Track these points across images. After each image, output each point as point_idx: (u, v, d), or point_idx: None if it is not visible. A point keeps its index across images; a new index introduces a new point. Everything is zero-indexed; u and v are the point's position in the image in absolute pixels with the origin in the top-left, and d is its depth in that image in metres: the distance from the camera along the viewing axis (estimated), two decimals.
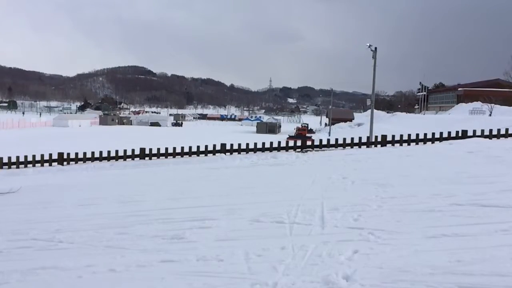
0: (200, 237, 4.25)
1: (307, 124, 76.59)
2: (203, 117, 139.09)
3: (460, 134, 12.23)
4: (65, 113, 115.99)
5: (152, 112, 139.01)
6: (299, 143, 13.64)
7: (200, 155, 13.13)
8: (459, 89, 69.14)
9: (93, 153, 13.47)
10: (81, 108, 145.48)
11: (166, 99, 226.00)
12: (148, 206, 6.00)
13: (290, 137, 44.20)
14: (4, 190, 8.15)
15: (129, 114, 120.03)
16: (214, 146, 13.16)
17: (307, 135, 54.95)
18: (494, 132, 12.23)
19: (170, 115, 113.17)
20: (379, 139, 12.72)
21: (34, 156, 13.53)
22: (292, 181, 7.48)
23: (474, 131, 12.37)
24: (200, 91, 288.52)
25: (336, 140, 13.01)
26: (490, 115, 39.53)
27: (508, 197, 4.89)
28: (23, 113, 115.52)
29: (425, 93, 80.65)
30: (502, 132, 12.33)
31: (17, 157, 13.46)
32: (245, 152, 12.92)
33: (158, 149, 13.41)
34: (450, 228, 3.91)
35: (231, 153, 12.98)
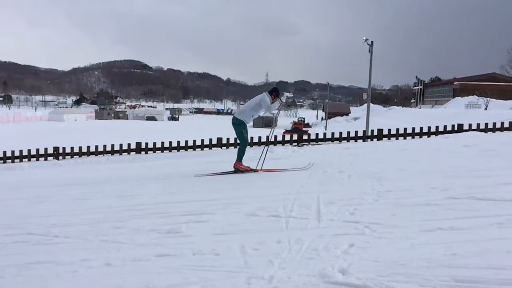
0: (196, 231, 4.25)
1: (304, 118, 76.59)
2: (200, 111, 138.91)
3: (456, 128, 12.28)
4: (60, 107, 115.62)
5: (148, 107, 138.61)
6: (295, 137, 13.66)
7: (197, 149, 13.13)
8: (455, 83, 69.26)
9: (88, 147, 13.44)
10: (77, 103, 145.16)
11: (162, 93, 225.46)
12: (144, 201, 5.99)
13: (287, 131, 44.24)
14: (299, 166, 8.08)
15: (125, 108, 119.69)
16: (211, 140, 13.16)
17: (304, 129, 55.02)
18: (490, 126, 12.28)
19: (166, 109, 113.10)
20: (375, 133, 12.75)
21: (29, 151, 13.49)
22: (289, 175, 7.48)
23: (470, 125, 12.41)
24: (197, 85, 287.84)
25: (333, 134, 13.03)
26: (486, 109, 39.67)
27: (504, 191, 4.90)
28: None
29: (421, 87, 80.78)
30: (498, 126, 12.37)
31: (13, 152, 13.41)
32: None
33: (154, 144, 13.40)
34: (445, 222, 3.91)
35: (227, 147, 12.98)
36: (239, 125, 8.27)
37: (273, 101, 8.29)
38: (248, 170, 8.14)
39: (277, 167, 8.21)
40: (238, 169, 8.17)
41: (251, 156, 10.72)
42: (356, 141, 12.71)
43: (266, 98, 8.18)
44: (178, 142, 13.26)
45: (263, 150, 8.62)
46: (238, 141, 12.84)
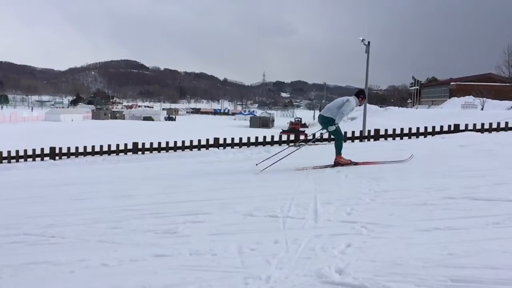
0: (193, 231, 4.25)
1: (300, 119, 76.57)
2: (196, 111, 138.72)
3: (452, 128, 12.31)
4: (57, 107, 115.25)
5: (145, 107, 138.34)
6: (292, 137, 13.67)
7: (193, 149, 13.11)
8: (452, 83, 69.41)
9: (85, 147, 13.41)
10: (74, 103, 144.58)
11: (159, 93, 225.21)
12: (141, 201, 5.98)
13: (284, 131, 44.28)
14: (399, 158, 7.90)
15: (121, 108, 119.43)
16: (207, 140, 13.14)
17: (300, 129, 55.05)
18: (486, 126, 12.32)
19: (163, 109, 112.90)
20: (372, 133, 12.76)
21: (25, 151, 13.44)
22: (286, 175, 7.48)
23: (466, 125, 12.45)
24: (193, 85, 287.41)
25: (329, 134, 13.02)
26: (482, 109, 39.74)
27: (500, 191, 4.92)
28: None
29: (417, 87, 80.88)
30: (494, 126, 12.41)
31: (9, 152, 13.36)
32: (238, 147, 12.91)
33: (151, 144, 13.38)
34: (442, 222, 3.93)
35: (224, 148, 12.97)
36: (327, 123, 8.14)
37: (360, 103, 8.34)
38: (349, 163, 7.97)
39: (374, 160, 8.05)
40: (339, 162, 8.00)
41: (247, 157, 10.73)
42: (353, 141, 12.73)
43: (353, 101, 8.08)
44: (175, 142, 13.24)
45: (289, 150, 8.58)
46: (235, 141, 12.86)
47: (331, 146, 10.36)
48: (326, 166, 8.02)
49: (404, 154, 8.18)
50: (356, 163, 7.93)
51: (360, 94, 8.35)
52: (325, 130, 8.31)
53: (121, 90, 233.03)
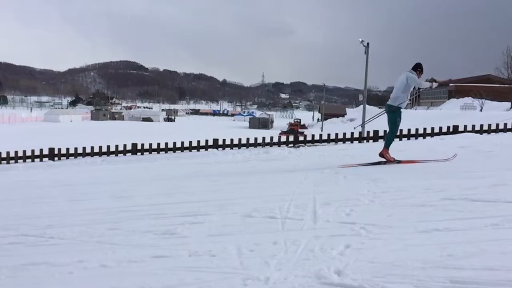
0: (192, 232, 4.24)
1: (300, 120, 76.65)
2: (196, 112, 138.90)
3: (451, 130, 12.32)
4: (56, 108, 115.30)
5: (144, 107, 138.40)
6: (291, 138, 13.68)
7: (193, 150, 13.11)
8: (451, 84, 69.49)
9: (84, 148, 13.40)
10: (73, 103, 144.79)
11: (158, 94, 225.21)
12: (140, 202, 5.97)
13: (283, 133, 44.33)
14: (440, 157, 7.82)
15: (121, 109, 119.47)
16: (207, 141, 13.14)
17: (300, 130, 55.10)
18: (485, 128, 12.33)
19: (163, 110, 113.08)
20: (371, 134, 12.76)
21: (24, 152, 13.44)
22: (285, 176, 7.48)
23: (465, 127, 12.46)
24: (193, 86, 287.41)
25: (329, 135, 13.04)
26: (481, 110, 39.80)
27: (499, 192, 4.92)
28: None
29: (417, 88, 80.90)
30: (493, 127, 12.43)
31: (8, 153, 13.35)
32: (237, 148, 12.91)
33: (150, 145, 13.37)
34: (441, 223, 3.92)
35: (223, 149, 12.97)
36: (394, 112, 7.95)
37: (419, 76, 7.96)
38: (392, 161, 7.83)
39: (418, 159, 7.97)
40: (384, 156, 7.85)
41: (246, 158, 10.72)
42: (352, 142, 12.74)
43: (412, 76, 7.77)
44: (174, 143, 13.23)
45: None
46: (234, 142, 12.85)
47: (329, 147, 10.39)
48: (369, 164, 7.92)
49: (447, 153, 8.13)
50: (399, 161, 7.83)
51: (417, 68, 7.95)
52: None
53: (120, 91, 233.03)
